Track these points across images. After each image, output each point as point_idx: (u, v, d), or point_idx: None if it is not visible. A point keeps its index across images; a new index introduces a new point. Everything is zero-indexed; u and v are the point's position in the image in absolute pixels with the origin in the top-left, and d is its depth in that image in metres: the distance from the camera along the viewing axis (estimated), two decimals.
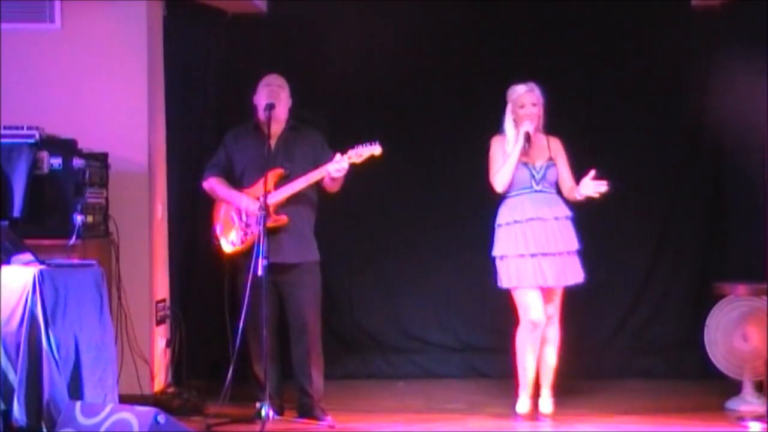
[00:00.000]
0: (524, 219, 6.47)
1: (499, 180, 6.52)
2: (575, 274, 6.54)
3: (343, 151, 6.29)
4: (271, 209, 6.25)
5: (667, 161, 7.96)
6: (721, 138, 7.77)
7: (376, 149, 6.30)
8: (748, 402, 6.76)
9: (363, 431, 6.36)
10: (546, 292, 6.49)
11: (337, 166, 6.26)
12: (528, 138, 6.47)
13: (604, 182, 6.43)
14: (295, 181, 6.32)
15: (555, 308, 6.54)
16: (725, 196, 7.88)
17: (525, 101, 6.54)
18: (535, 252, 6.43)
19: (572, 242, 6.52)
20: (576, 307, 7.50)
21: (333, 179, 6.32)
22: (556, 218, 6.50)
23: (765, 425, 6.16)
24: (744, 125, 7.35)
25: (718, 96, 7.63)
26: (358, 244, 8.02)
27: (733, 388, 6.89)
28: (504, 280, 6.52)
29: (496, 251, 6.54)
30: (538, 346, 6.52)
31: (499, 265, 6.54)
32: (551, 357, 6.55)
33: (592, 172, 6.44)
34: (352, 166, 6.30)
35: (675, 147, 7.96)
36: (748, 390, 6.82)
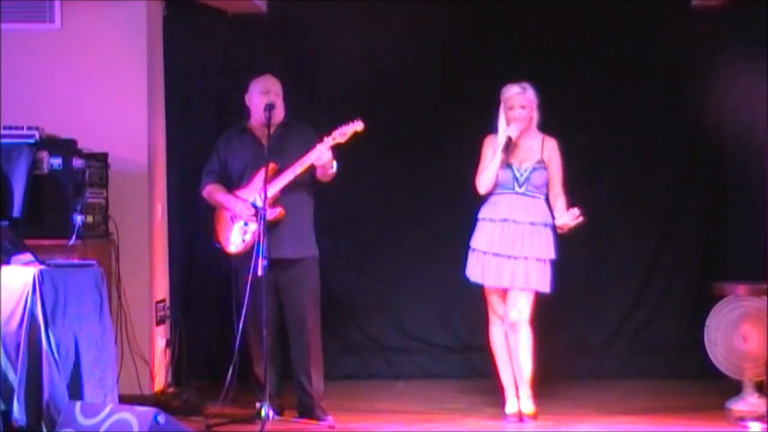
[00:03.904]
0: (498, 219, 6.47)
1: (481, 182, 6.53)
2: (539, 282, 6.43)
3: (327, 133, 6.29)
4: (267, 203, 6.24)
5: (667, 161, 7.96)
6: (721, 138, 7.76)
7: (358, 126, 6.30)
8: (748, 402, 6.76)
9: (363, 431, 6.37)
10: (508, 296, 6.46)
11: (317, 154, 6.27)
12: (509, 142, 6.44)
13: (577, 211, 6.35)
14: (283, 173, 6.33)
15: (519, 315, 6.40)
16: (725, 196, 7.88)
17: (514, 103, 6.50)
18: (499, 253, 6.43)
19: (543, 250, 6.44)
20: (576, 307, 7.54)
21: (323, 167, 6.31)
22: (532, 223, 6.44)
23: (765, 425, 6.16)
24: (744, 125, 7.35)
25: (718, 96, 7.63)
26: (357, 245, 8.03)
27: (733, 388, 6.89)
28: (470, 272, 6.55)
29: (472, 242, 6.57)
30: (506, 343, 6.50)
31: (470, 256, 6.57)
32: (525, 361, 6.45)
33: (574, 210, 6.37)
34: (340, 147, 6.28)
35: (675, 147, 7.97)
36: (748, 390, 6.82)
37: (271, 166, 6.30)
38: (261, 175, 6.26)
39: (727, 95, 7.55)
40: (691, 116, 7.90)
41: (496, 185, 6.51)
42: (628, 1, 7.68)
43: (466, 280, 6.58)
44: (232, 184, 6.50)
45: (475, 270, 6.53)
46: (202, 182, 6.58)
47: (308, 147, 6.37)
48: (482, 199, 6.59)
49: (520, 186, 6.49)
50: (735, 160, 7.73)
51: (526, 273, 6.41)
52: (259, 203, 6.24)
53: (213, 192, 6.53)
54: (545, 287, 6.46)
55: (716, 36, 7.72)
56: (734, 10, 7.46)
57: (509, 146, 6.46)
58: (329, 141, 6.26)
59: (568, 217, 6.37)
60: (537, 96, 6.52)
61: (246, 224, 6.36)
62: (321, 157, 6.26)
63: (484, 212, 6.55)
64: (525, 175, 6.49)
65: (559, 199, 6.51)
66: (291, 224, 6.36)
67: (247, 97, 6.54)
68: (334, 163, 6.35)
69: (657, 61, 7.84)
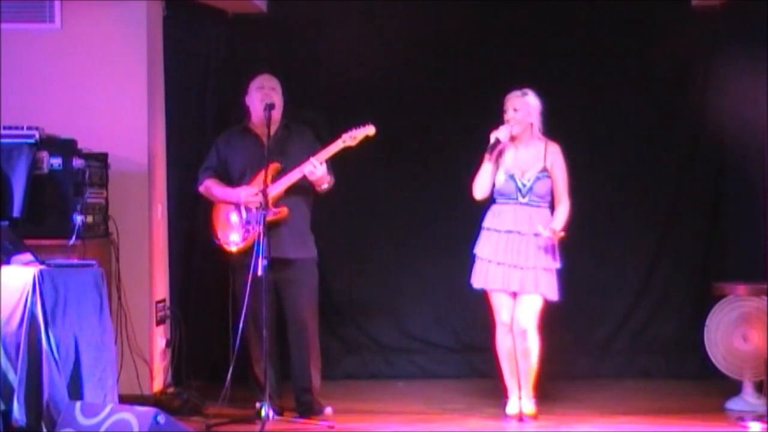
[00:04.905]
0: (503, 230, 6.46)
1: (475, 187, 6.53)
2: (548, 289, 6.43)
3: (337, 135, 6.29)
4: (270, 202, 6.25)
5: (668, 161, 7.96)
6: (721, 138, 7.77)
7: (370, 130, 6.32)
8: (748, 402, 6.76)
9: (363, 431, 6.37)
10: (517, 301, 6.46)
11: (310, 168, 6.27)
12: (496, 144, 6.44)
13: (557, 229, 6.37)
14: (286, 175, 6.32)
15: (529, 320, 6.42)
16: (725, 196, 7.88)
17: (509, 105, 6.50)
18: (504, 262, 6.42)
19: (549, 260, 6.43)
20: (576, 308, 7.52)
21: (317, 181, 6.31)
22: (536, 235, 6.41)
23: (765, 425, 6.16)
24: (744, 125, 7.35)
25: (718, 96, 7.63)
26: (358, 245, 8.03)
27: (733, 388, 6.89)
28: (475, 280, 6.55)
29: (476, 250, 6.56)
30: (512, 347, 6.49)
31: (476, 264, 6.56)
32: (532, 366, 6.47)
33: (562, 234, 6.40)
34: (349, 150, 6.30)
35: (675, 147, 7.96)
36: (748, 390, 6.82)
37: (275, 165, 6.31)
38: (263, 175, 6.26)
39: (727, 95, 7.55)
40: (691, 116, 7.89)
41: (499, 194, 6.51)
42: (629, 2, 7.68)
43: (467, 281, 6.57)
44: (233, 182, 6.50)
45: (479, 277, 6.53)
46: (200, 178, 6.59)
47: (310, 150, 6.38)
48: (485, 206, 6.58)
49: (524, 196, 6.47)
50: (735, 160, 7.73)
51: (535, 279, 6.42)
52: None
53: (210, 187, 6.53)
54: (553, 295, 6.48)
55: (716, 36, 7.72)
56: (734, 10, 7.46)
57: (494, 147, 6.45)
58: (317, 162, 6.26)
59: (548, 233, 6.35)
60: (540, 103, 6.50)
61: (248, 223, 6.37)
62: (314, 171, 6.28)
63: (488, 221, 6.54)
64: (528, 185, 6.47)
65: (561, 205, 6.50)
66: (291, 225, 6.37)
67: (246, 98, 6.56)
68: (330, 178, 6.37)
69: (657, 61, 7.84)
